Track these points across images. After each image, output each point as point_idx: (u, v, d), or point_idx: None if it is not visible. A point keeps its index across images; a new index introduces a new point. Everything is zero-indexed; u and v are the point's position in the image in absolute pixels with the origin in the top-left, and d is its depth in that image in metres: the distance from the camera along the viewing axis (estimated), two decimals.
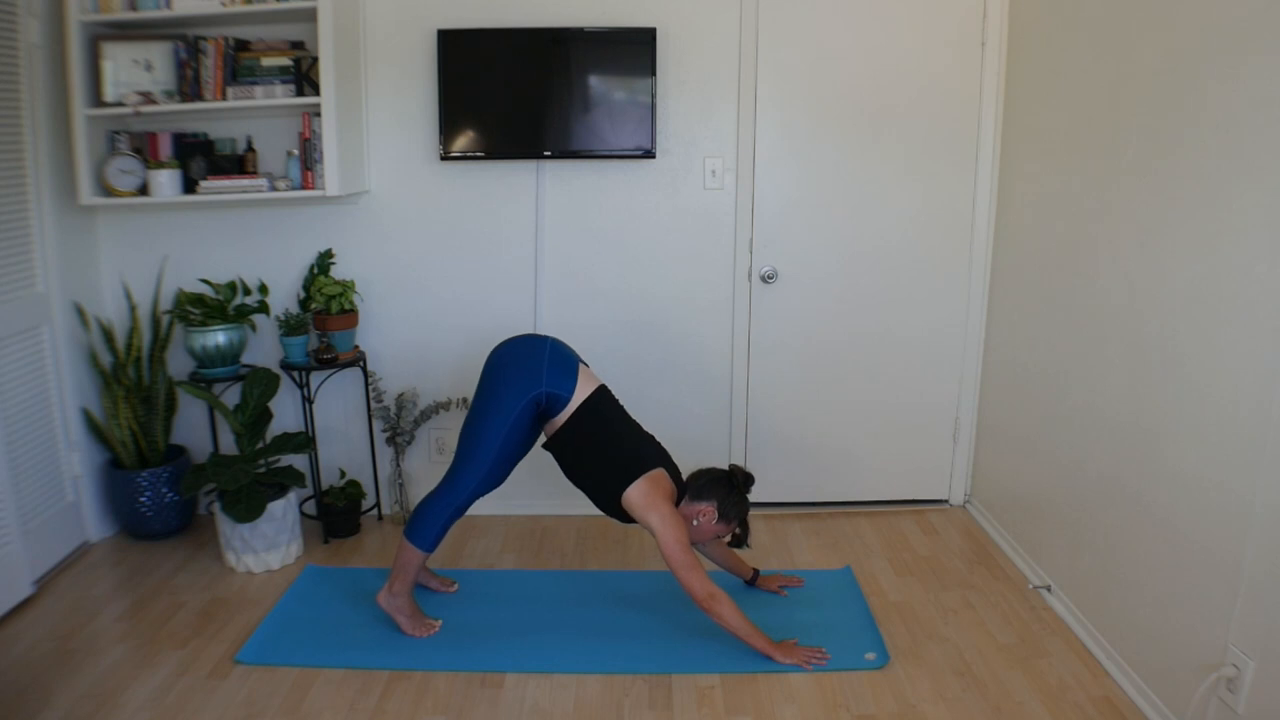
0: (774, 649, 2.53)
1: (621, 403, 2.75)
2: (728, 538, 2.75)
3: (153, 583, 3.03)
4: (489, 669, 2.53)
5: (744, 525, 2.67)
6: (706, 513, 2.60)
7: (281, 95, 3.08)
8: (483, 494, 2.65)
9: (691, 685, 2.46)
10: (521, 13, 3.23)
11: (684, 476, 2.72)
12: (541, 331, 3.46)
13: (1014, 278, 3.24)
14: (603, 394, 2.66)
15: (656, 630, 2.72)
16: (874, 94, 3.31)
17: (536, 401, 2.58)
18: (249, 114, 3.25)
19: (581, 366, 2.67)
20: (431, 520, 2.64)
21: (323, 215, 3.40)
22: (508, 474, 2.69)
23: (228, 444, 3.45)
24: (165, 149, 3.20)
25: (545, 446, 2.70)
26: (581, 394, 2.59)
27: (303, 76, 3.09)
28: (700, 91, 3.32)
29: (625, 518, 2.60)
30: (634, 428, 2.70)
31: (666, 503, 2.53)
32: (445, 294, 3.47)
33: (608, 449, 2.59)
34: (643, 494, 2.52)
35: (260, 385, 3.19)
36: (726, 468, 2.69)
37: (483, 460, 2.60)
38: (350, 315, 3.32)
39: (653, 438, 2.74)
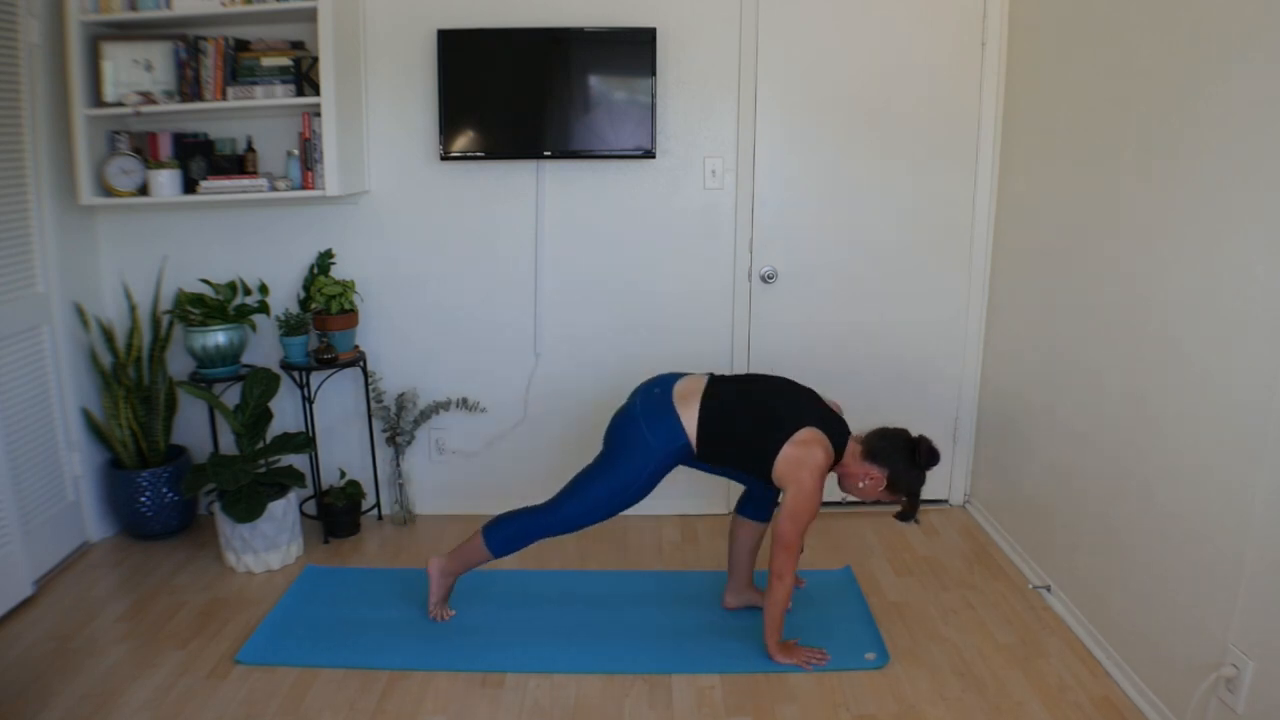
0: (776, 649, 2.53)
1: (734, 372, 2.61)
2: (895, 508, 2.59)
3: (153, 583, 3.03)
4: (489, 669, 2.53)
5: (914, 499, 2.51)
6: (875, 477, 2.47)
7: (281, 95, 3.07)
8: (575, 531, 2.65)
9: (691, 685, 2.46)
10: (521, 13, 3.23)
11: (847, 426, 2.58)
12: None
13: (1014, 277, 3.24)
14: (710, 399, 2.48)
15: (656, 630, 2.72)
16: (874, 94, 3.31)
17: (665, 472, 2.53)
18: (249, 114, 3.24)
19: (680, 391, 2.51)
20: (518, 533, 2.64)
21: (323, 215, 3.39)
22: None
23: (228, 444, 3.44)
24: (165, 149, 3.20)
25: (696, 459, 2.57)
26: (689, 425, 2.46)
27: (303, 76, 3.09)
28: (700, 91, 3.31)
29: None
30: (762, 397, 2.52)
31: (812, 476, 2.38)
32: (445, 294, 3.47)
33: (742, 445, 2.47)
34: (789, 463, 2.40)
35: (260, 385, 3.19)
36: (915, 435, 2.52)
37: (593, 509, 2.57)
38: (350, 315, 3.32)
39: (788, 387, 2.57)
